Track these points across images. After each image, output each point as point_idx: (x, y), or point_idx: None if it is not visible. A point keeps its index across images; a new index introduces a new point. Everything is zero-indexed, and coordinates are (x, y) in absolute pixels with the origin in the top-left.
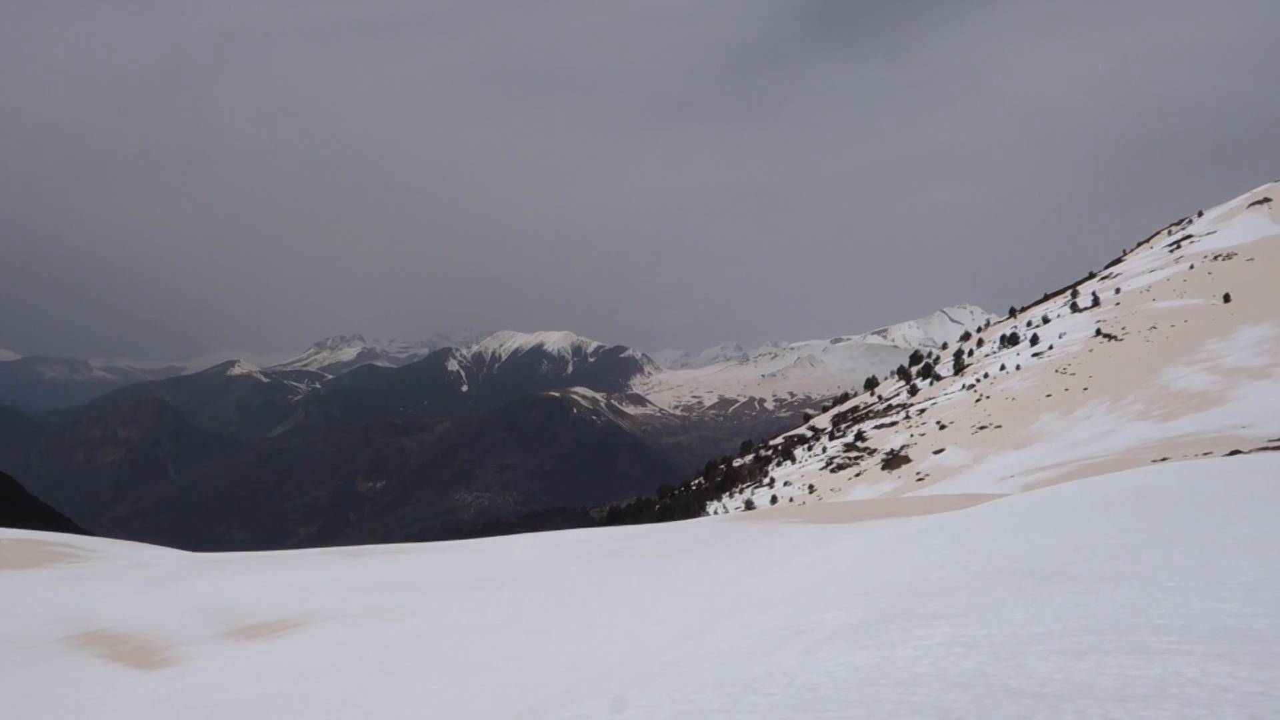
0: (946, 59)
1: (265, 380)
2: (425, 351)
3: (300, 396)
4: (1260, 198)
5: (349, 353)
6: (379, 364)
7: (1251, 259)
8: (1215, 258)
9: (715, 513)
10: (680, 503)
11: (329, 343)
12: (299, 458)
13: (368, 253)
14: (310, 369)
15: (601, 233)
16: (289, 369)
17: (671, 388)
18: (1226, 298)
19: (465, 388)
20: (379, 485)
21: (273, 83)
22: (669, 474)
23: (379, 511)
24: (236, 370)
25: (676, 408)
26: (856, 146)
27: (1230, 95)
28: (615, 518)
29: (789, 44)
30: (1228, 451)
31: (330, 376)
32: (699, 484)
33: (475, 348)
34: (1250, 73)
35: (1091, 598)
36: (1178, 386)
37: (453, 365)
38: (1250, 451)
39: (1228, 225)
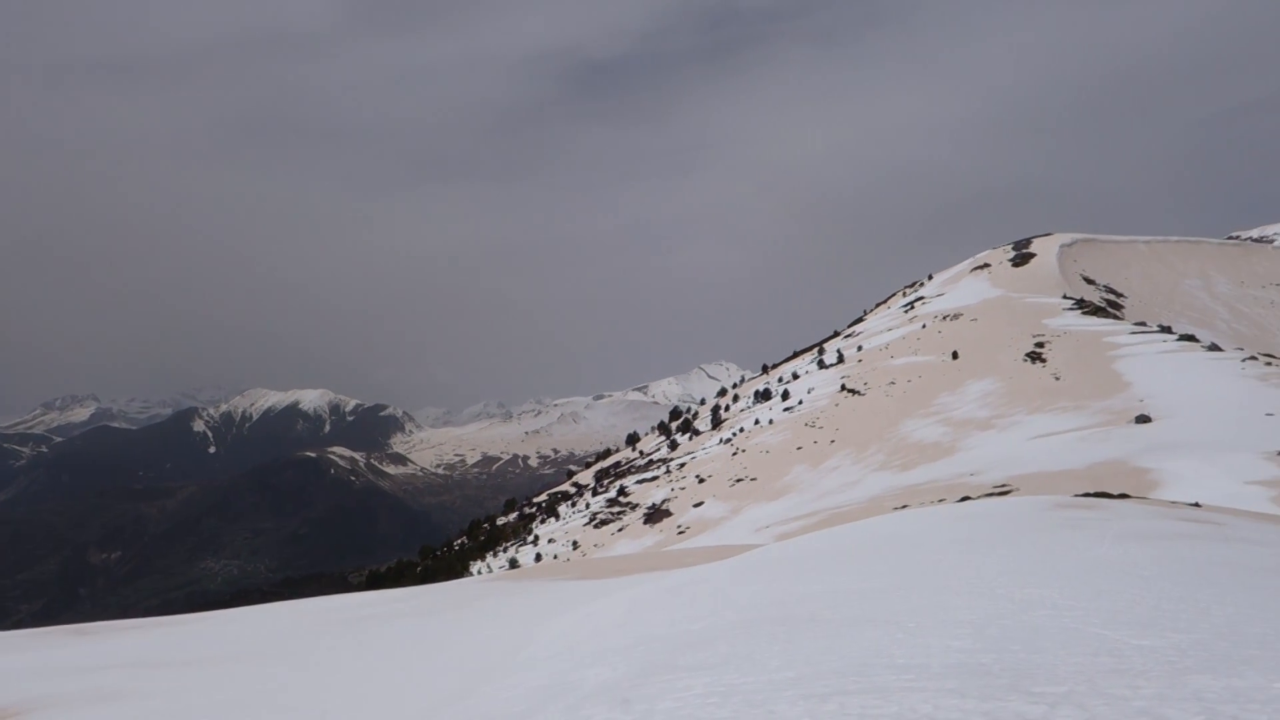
0: (702, 126)
1: None
2: (168, 411)
3: (24, 461)
4: (981, 263)
5: (81, 413)
6: (115, 425)
7: (975, 319)
8: (944, 318)
9: (479, 572)
10: (443, 564)
11: (58, 402)
12: (22, 528)
13: (102, 306)
14: (36, 431)
15: (361, 288)
16: (11, 431)
17: (433, 446)
18: (955, 355)
19: (213, 449)
20: (114, 556)
21: None
22: (431, 534)
23: (114, 584)
24: None
25: (439, 466)
26: (617, 207)
27: (954, 168)
28: (375, 582)
29: (552, 106)
30: (959, 497)
31: (59, 439)
32: (462, 544)
33: (224, 407)
34: (972, 148)
35: (840, 641)
36: (914, 438)
37: (199, 425)
38: (979, 497)
39: (954, 288)
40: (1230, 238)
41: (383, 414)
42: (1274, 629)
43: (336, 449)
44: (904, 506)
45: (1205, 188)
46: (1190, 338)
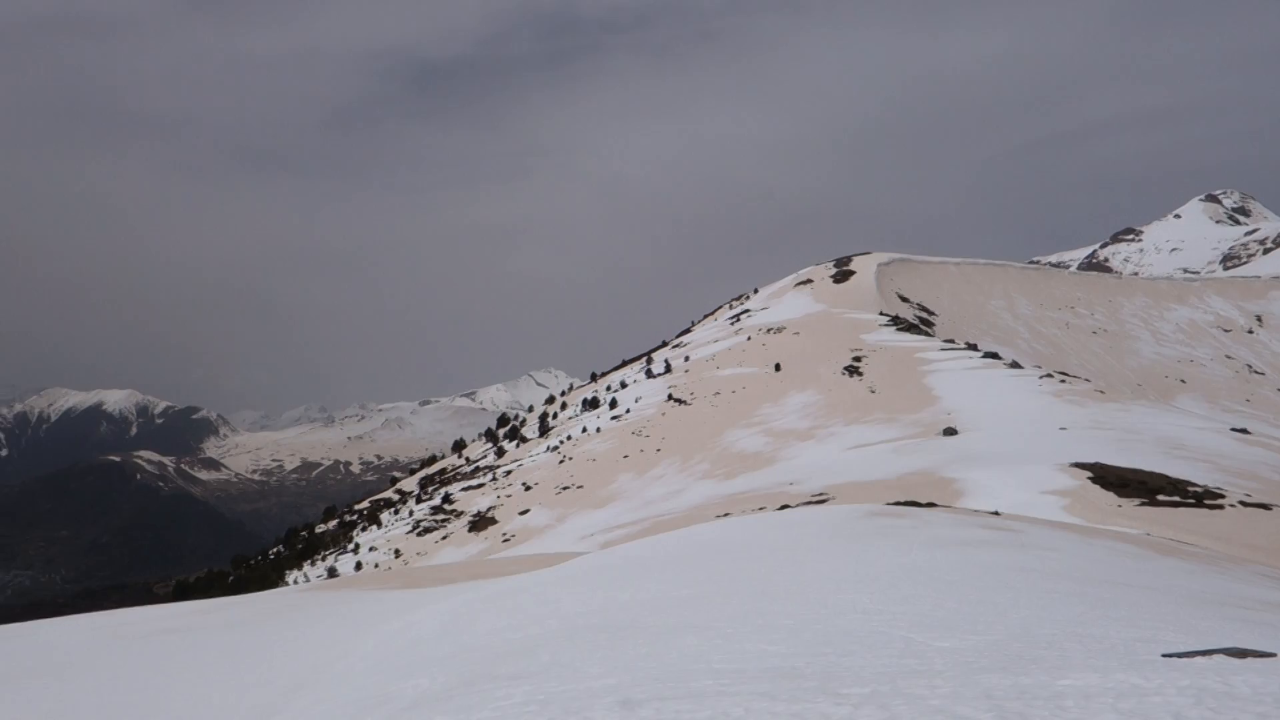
0: (538, 133)
1: None
2: None
3: None
4: (804, 278)
5: None
6: None
7: (798, 333)
8: (768, 331)
9: (295, 582)
10: (257, 573)
11: None
12: None
13: None
14: None
15: (175, 284)
16: None
17: (250, 450)
18: (777, 367)
19: (4, 452)
20: None
21: None
22: (246, 543)
23: None
24: None
25: (255, 472)
26: (449, 211)
27: (781, 185)
28: (183, 593)
29: (385, 105)
30: (779, 506)
31: None
32: (278, 552)
33: (18, 407)
34: (798, 166)
35: (660, 648)
36: (737, 447)
37: None
38: (797, 505)
39: (779, 302)
40: (1032, 262)
41: (195, 417)
42: (1062, 630)
43: (144, 453)
44: (726, 515)
45: (1011, 214)
46: (994, 355)
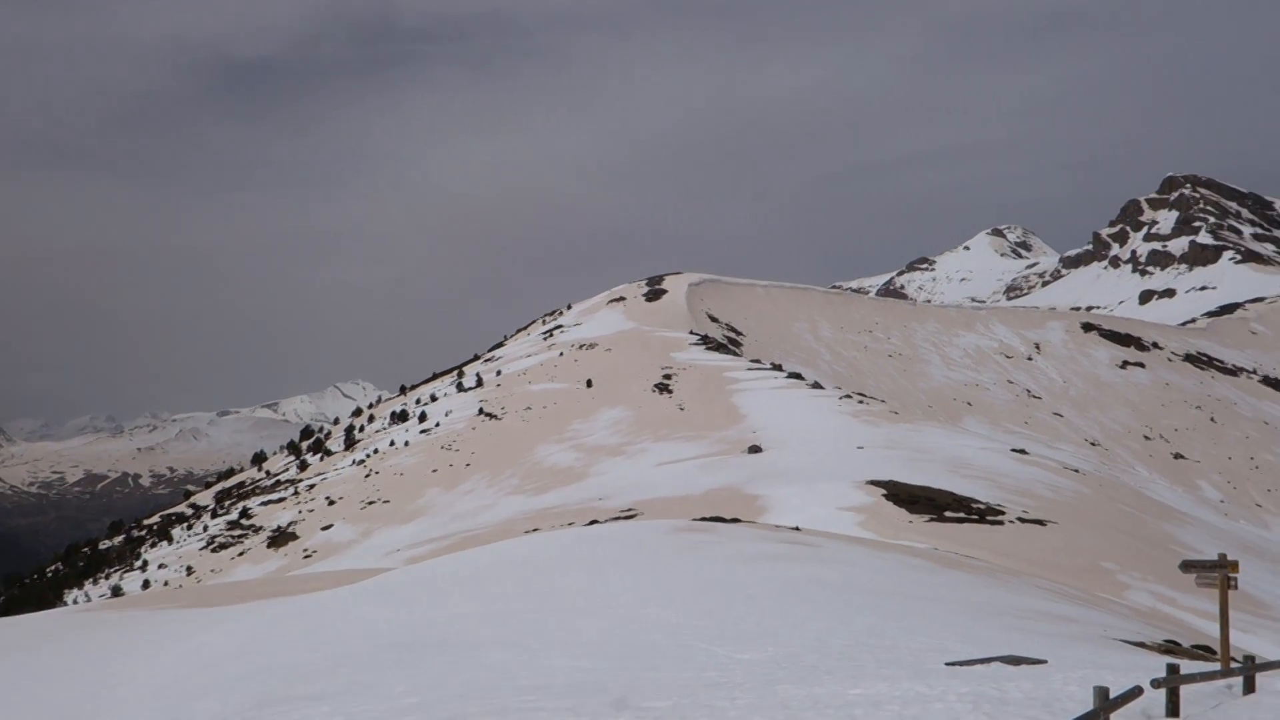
0: (353, 140)
1: None
2: None
3: None
4: (617, 296)
5: None
6: None
7: (610, 349)
8: (581, 347)
9: (75, 602)
10: (32, 593)
11: None
12: None
13: None
14: None
15: None
16: None
17: (27, 462)
18: (589, 383)
19: None
20: None
21: None
22: (21, 561)
23: None
24: None
25: (33, 484)
26: (257, 216)
27: (598, 202)
28: None
29: (188, 102)
30: (588, 521)
31: None
32: (56, 570)
33: None
34: (615, 185)
35: (466, 664)
36: (548, 462)
37: None
38: (606, 521)
39: (591, 318)
40: (834, 287)
41: None
42: (856, 641)
43: None
44: (535, 530)
45: (817, 240)
46: (797, 375)
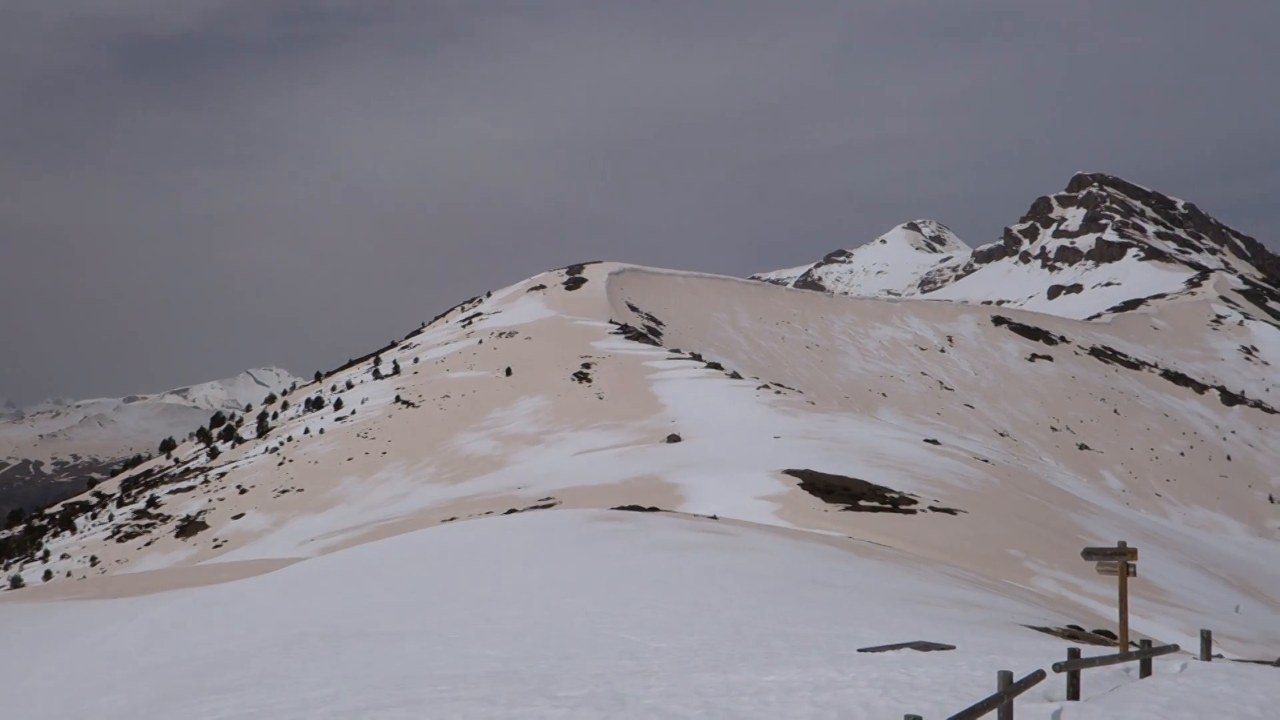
0: (273, 122)
1: None
2: None
3: None
4: (538, 284)
5: None
6: None
7: (529, 338)
8: (500, 335)
9: None
10: None
11: None
12: None
13: None
14: None
15: None
16: None
17: None
18: (509, 371)
19: None
20: None
21: None
22: None
23: None
24: None
25: None
26: (168, 196)
27: (518, 188)
28: None
29: (99, 79)
30: (506, 510)
31: None
32: None
33: None
34: (536, 172)
35: (382, 655)
36: (466, 451)
37: None
38: (524, 510)
39: (511, 306)
40: (753, 278)
41: None
42: (770, 628)
43: None
44: (453, 519)
45: (737, 231)
46: (716, 365)
